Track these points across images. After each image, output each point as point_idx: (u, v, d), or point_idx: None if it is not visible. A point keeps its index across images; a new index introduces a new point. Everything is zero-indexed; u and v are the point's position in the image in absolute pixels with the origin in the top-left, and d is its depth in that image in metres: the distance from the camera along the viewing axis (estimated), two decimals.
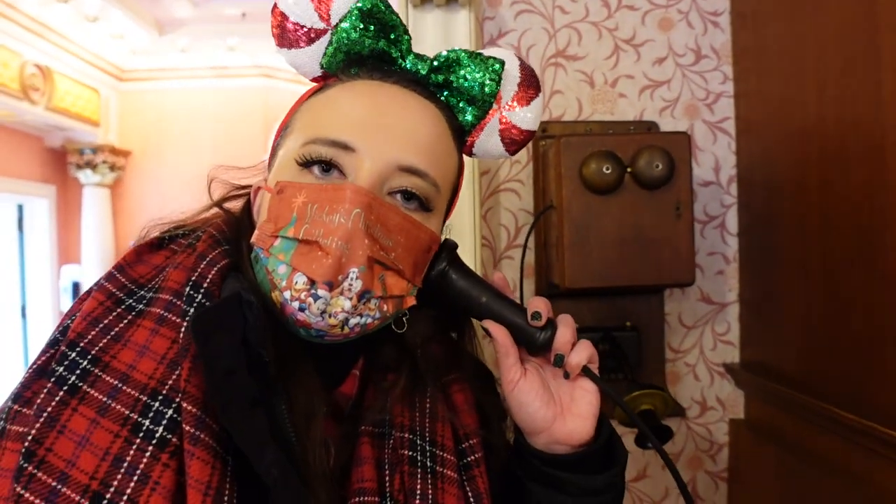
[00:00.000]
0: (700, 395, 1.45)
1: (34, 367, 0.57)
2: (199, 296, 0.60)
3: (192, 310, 0.58)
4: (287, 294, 0.59)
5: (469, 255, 1.31)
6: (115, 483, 0.51)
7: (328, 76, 0.70)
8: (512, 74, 0.72)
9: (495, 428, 0.75)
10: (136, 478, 0.51)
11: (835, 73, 1.12)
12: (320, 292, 0.58)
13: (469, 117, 0.71)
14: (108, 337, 0.58)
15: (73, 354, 0.56)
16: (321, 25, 0.67)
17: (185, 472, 0.52)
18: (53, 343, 0.59)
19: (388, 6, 0.67)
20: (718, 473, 1.46)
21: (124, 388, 0.55)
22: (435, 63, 0.68)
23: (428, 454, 0.66)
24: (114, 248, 6.24)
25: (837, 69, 1.11)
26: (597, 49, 1.41)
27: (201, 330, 0.55)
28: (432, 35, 1.30)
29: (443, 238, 0.71)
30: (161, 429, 0.53)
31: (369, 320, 0.62)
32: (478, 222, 1.31)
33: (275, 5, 0.68)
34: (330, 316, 0.59)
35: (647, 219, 1.21)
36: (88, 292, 0.62)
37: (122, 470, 0.51)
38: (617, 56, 1.41)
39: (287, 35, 0.68)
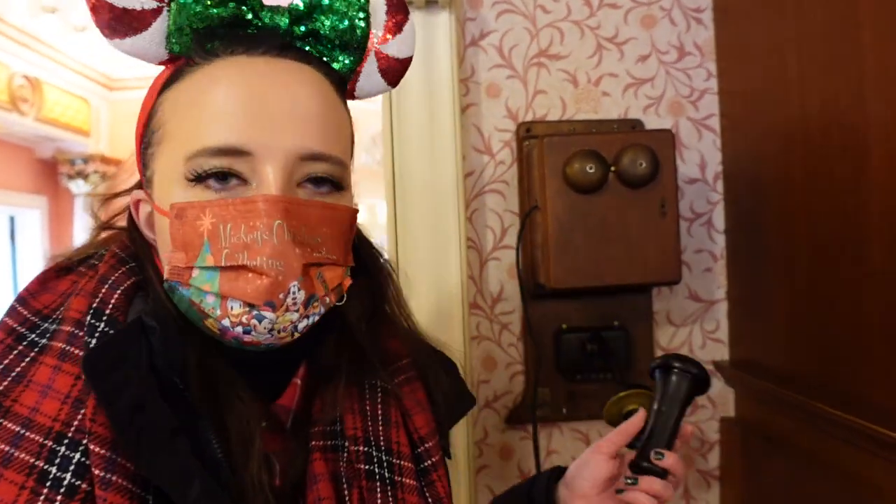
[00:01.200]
0: None
1: None
2: (102, 324, 0.55)
3: (93, 341, 0.54)
4: (226, 321, 0.56)
5: (455, 257, 1.30)
6: None
7: (177, 58, 0.62)
8: (376, 5, 0.65)
9: (447, 416, 0.75)
10: None
11: (817, 69, 1.11)
12: (264, 314, 0.55)
13: (347, 63, 0.65)
14: (10, 379, 0.53)
15: None
16: (153, 4, 0.58)
17: None
18: None
19: None
20: (710, 472, 1.45)
21: (27, 433, 0.50)
22: (294, 12, 0.61)
23: (385, 465, 0.64)
24: None
25: (820, 65, 1.11)
26: (579, 48, 1.40)
27: (95, 367, 0.51)
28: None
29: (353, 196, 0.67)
30: (69, 475, 0.49)
31: (317, 317, 0.60)
32: (463, 224, 1.31)
33: None
34: (279, 331, 0.57)
35: (632, 217, 1.20)
36: None
37: None
38: (600, 54, 1.40)
39: (117, 24, 0.58)
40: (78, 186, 6.28)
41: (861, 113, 1.01)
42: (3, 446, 0.49)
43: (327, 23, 0.62)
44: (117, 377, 0.51)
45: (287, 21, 0.61)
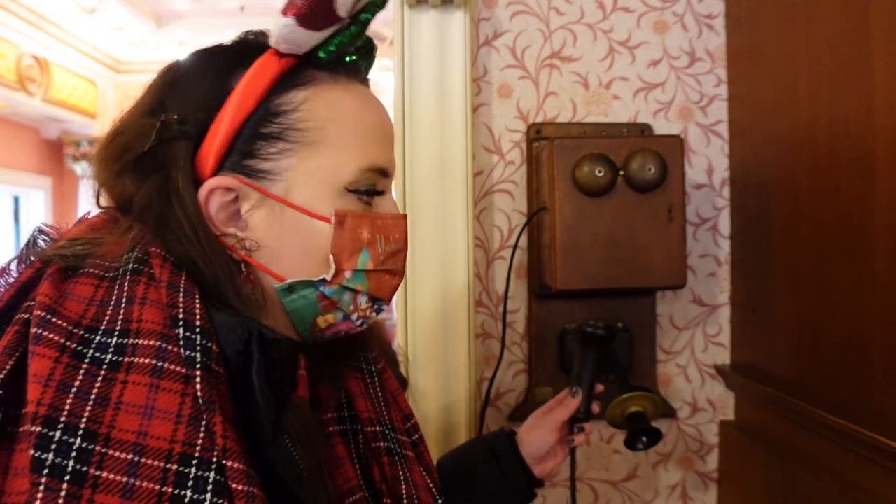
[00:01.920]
0: (691, 396, 1.46)
1: None
2: (198, 336, 0.52)
3: (197, 355, 0.51)
4: (354, 315, 0.66)
5: (462, 255, 1.32)
6: None
7: (292, 56, 0.63)
8: None
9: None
10: None
11: (827, 79, 1.12)
12: (384, 307, 0.68)
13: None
14: (91, 402, 0.47)
15: (58, 434, 0.45)
16: (344, 16, 0.63)
17: None
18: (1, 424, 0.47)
19: None
20: (708, 474, 1.47)
21: (144, 460, 0.46)
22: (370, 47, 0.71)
23: (396, 441, 0.73)
24: None
25: (829, 75, 1.11)
26: (591, 51, 1.41)
27: (258, 380, 0.53)
28: (428, 36, 1.30)
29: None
30: (209, 496, 0.47)
31: None
32: (471, 223, 1.32)
33: None
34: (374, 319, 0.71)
35: (639, 222, 1.22)
36: (14, 347, 0.50)
37: None
38: (612, 58, 1.41)
39: (316, 15, 0.61)
40: (83, 168, 6.31)
41: (869, 125, 1.02)
42: (119, 477, 0.45)
43: (374, 53, 0.73)
44: (266, 391, 0.53)
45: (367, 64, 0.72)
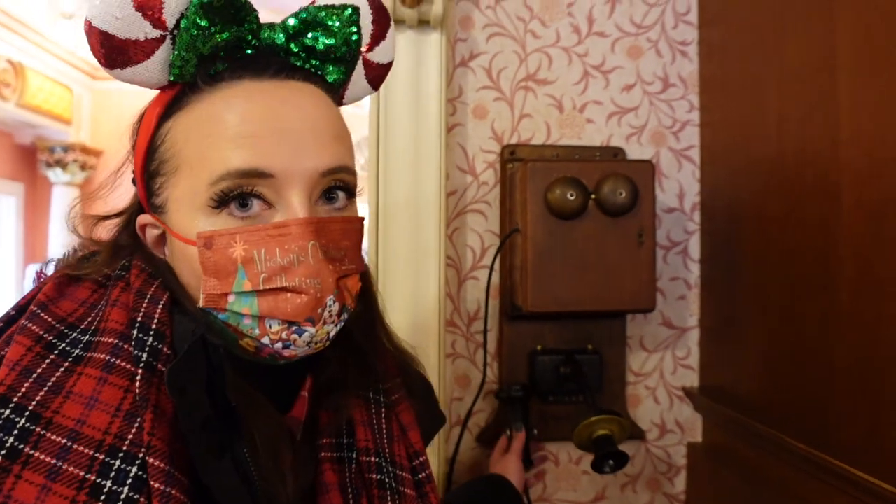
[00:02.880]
0: (659, 418, 1.47)
1: None
2: (150, 338, 0.55)
3: (144, 354, 0.54)
4: (265, 339, 0.60)
5: (433, 275, 1.32)
6: None
7: (176, 84, 0.62)
8: (364, 14, 0.68)
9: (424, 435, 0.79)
10: None
11: (795, 110, 1.14)
12: (305, 329, 0.59)
13: (339, 75, 0.67)
14: (45, 389, 0.51)
15: (7, 412, 0.49)
16: (157, 33, 0.58)
17: None
18: None
19: None
20: (676, 496, 1.48)
21: (75, 446, 0.49)
22: (290, 30, 0.63)
23: (392, 476, 0.69)
24: None
25: (797, 106, 1.14)
26: (566, 74, 1.42)
27: (175, 382, 0.51)
28: (404, 56, 1.31)
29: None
30: (126, 489, 0.48)
31: (343, 323, 0.64)
32: (443, 242, 1.32)
33: (89, 24, 0.57)
34: (316, 343, 0.61)
35: (609, 245, 1.22)
36: (6, 336, 0.56)
37: None
38: (586, 82, 1.43)
39: (117, 55, 0.58)
40: (56, 175, 6.21)
41: (835, 158, 1.04)
42: (49, 459, 0.48)
43: (321, 39, 0.64)
44: (194, 393, 0.53)
45: (283, 38, 0.63)
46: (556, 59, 1.42)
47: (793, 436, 1.14)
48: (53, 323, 0.56)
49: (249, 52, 0.62)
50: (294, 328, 0.59)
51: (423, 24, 1.29)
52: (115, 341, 0.55)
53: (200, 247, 0.58)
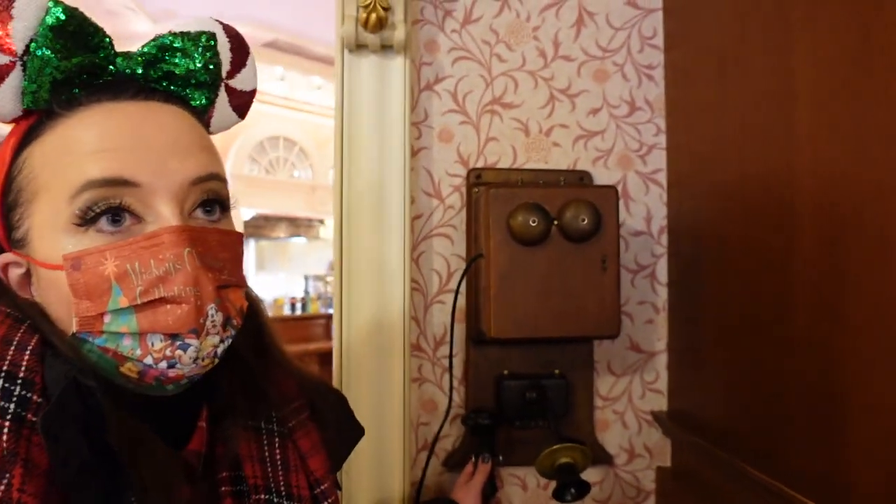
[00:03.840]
0: (628, 442, 1.46)
1: None
2: (17, 388, 0.52)
3: (10, 405, 0.51)
4: (148, 359, 0.57)
5: (399, 298, 1.31)
6: None
7: (31, 113, 0.61)
8: (221, 42, 0.69)
9: (340, 449, 0.80)
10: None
11: (755, 136, 1.14)
12: (188, 341, 0.57)
13: (202, 100, 0.67)
14: None
15: None
16: (5, 59, 0.57)
17: None
18: None
19: (76, 11, 0.59)
20: None
21: None
22: (147, 57, 0.63)
23: None
24: None
25: (757, 132, 1.14)
26: (532, 98, 1.42)
27: (48, 430, 0.49)
28: (368, 80, 1.30)
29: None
30: (15, 407, 0.49)
31: (230, 340, 0.62)
32: (408, 266, 1.31)
33: None
34: (203, 358, 0.59)
35: (573, 271, 1.22)
36: None
37: None
38: (552, 105, 1.43)
39: None
40: None
41: (794, 186, 1.04)
42: None
43: (181, 64, 0.64)
44: (69, 439, 0.50)
45: (141, 67, 0.63)
46: (522, 82, 1.42)
47: (751, 462, 1.13)
48: None
49: (107, 78, 0.62)
50: (178, 343, 0.56)
51: (386, 48, 1.29)
52: None
53: (68, 269, 0.56)
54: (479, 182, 1.38)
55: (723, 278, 1.25)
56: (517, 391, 1.36)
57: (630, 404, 1.46)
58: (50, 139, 0.59)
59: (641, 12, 1.45)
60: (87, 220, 0.56)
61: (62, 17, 0.57)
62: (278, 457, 0.70)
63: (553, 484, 1.39)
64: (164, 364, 0.57)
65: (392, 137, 1.31)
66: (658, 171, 1.46)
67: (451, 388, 1.37)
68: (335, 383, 1.30)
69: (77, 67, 0.58)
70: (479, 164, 1.41)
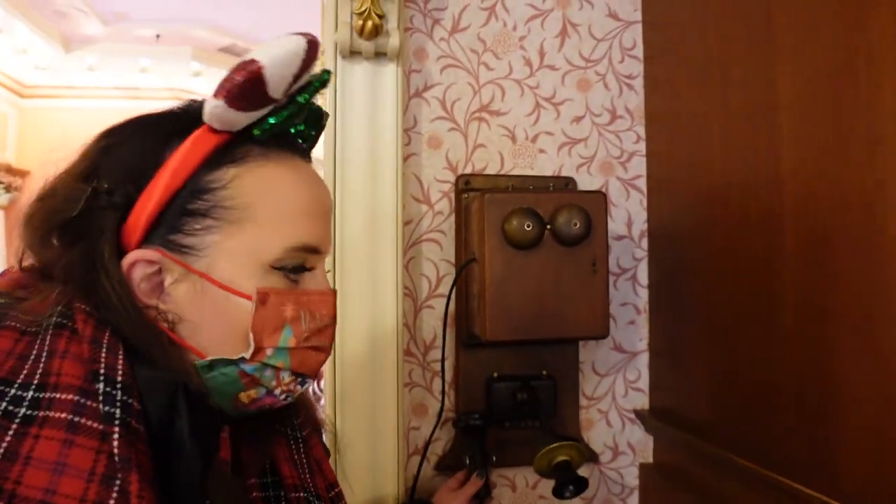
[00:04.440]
0: (612, 440, 1.50)
1: None
2: (118, 392, 0.52)
3: (116, 410, 0.51)
4: (277, 391, 0.65)
5: (391, 304, 1.32)
6: None
7: (233, 137, 0.64)
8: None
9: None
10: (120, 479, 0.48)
11: (738, 143, 1.20)
12: (308, 379, 0.67)
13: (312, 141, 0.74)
14: None
15: None
16: (281, 98, 0.64)
17: None
18: None
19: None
20: None
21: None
22: (320, 126, 0.72)
23: None
24: None
25: (740, 139, 1.19)
26: (519, 105, 1.46)
27: (187, 440, 0.53)
28: (360, 86, 1.32)
29: None
30: (119, 411, 0.49)
31: None
32: (400, 272, 1.33)
33: (258, 67, 0.59)
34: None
35: (564, 274, 1.25)
36: None
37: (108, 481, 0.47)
38: (538, 113, 1.46)
39: (247, 97, 0.61)
40: None
41: (777, 190, 1.09)
42: None
43: (318, 127, 0.73)
44: (193, 448, 0.54)
45: (311, 137, 0.72)
46: (509, 90, 1.45)
47: (738, 453, 1.18)
48: None
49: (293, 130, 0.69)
50: (299, 379, 0.66)
51: (379, 55, 1.30)
52: (76, 397, 0.50)
53: (257, 301, 0.61)
54: (468, 188, 1.41)
55: (704, 279, 1.30)
56: (507, 393, 1.39)
57: (614, 403, 1.50)
58: (261, 172, 0.65)
59: (622, 24, 1.50)
60: (281, 267, 0.64)
61: (325, 79, 0.67)
62: (304, 460, 0.75)
63: (544, 483, 1.43)
64: (284, 395, 0.66)
65: (384, 143, 1.32)
66: (638, 178, 1.51)
67: (443, 392, 1.38)
68: (329, 391, 1.31)
69: (300, 132, 0.70)
70: (468, 171, 1.43)
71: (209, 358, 0.61)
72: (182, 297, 0.62)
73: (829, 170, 0.99)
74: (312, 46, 0.62)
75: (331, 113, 1.31)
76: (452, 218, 1.43)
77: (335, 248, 1.31)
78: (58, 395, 0.50)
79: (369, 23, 1.24)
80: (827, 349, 0.99)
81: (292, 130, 0.68)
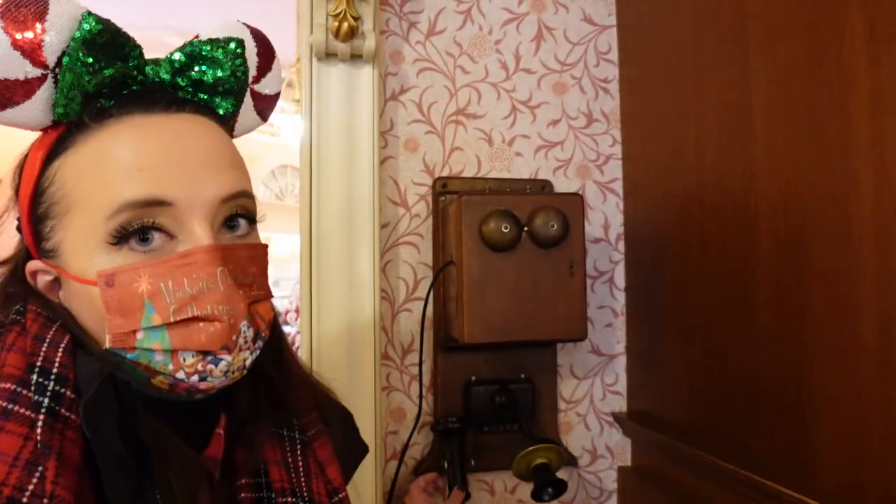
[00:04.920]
0: (591, 443, 1.50)
1: None
2: (51, 383, 0.53)
3: (45, 399, 0.52)
4: (180, 374, 0.57)
5: (368, 308, 1.31)
6: None
7: (60, 123, 0.60)
8: (249, 47, 0.69)
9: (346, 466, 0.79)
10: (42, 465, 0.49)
11: (713, 145, 1.21)
12: (221, 357, 0.58)
13: (229, 107, 0.67)
14: None
15: None
16: (37, 72, 0.56)
17: None
18: None
19: (109, 23, 0.59)
20: None
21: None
22: (176, 65, 0.63)
23: None
24: None
25: (715, 141, 1.20)
26: (495, 109, 1.46)
27: (90, 419, 0.51)
28: (336, 88, 1.31)
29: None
30: (48, 401, 0.51)
31: (258, 352, 0.63)
32: (377, 275, 1.32)
33: None
34: (233, 371, 0.60)
35: (542, 276, 1.25)
36: None
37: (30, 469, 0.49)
38: (514, 116, 1.47)
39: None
40: None
41: (752, 190, 1.10)
42: None
43: (209, 72, 0.64)
44: (108, 430, 0.52)
45: (169, 75, 0.63)
46: (485, 94, 1.45)
47: (717, 455, 1.19)
48: None
49: (135, 87, 0.61)
50: (209, 358, 0.57)
51: (355, 57, 1.30)
52: (12, 386, 0.52)
53: (102, 285, 0.56)
54: (446, 190, 1.40)
55: (681, 280, 1.31)
56: (486, 396, 1.39)
57: (592, 406, 1.50)
58: (82, 152, 0.59)
59: (597, 28, 1.51)
60: (120, 238, 0.56)
61: (95, 29, 0.56)
62: (300, 463, 0.70)
63: (522, 487, 1.42)
64: (195, 378, 0.58)
65: (360, 146, 1.32)
66: (615, 181, 1.51)
67: (421, 395, 1.37)
68: None
69: (109, 79, 0.58)
70: (445, 173, 1.43)
71: (98, 351, 0.59)
72: (67, 297, 0.62)
73: (802, 169, 1.00)
74: (4, 14, 0.54)
75: (306, 115, 1.30)
76: (430, 221, 1.42)
77: (311, 251, 1.29)
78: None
79: (345, 24, 1.23)
80: (803, 348, 1.00)
81: (135, 88, 0.61)
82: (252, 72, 0.69)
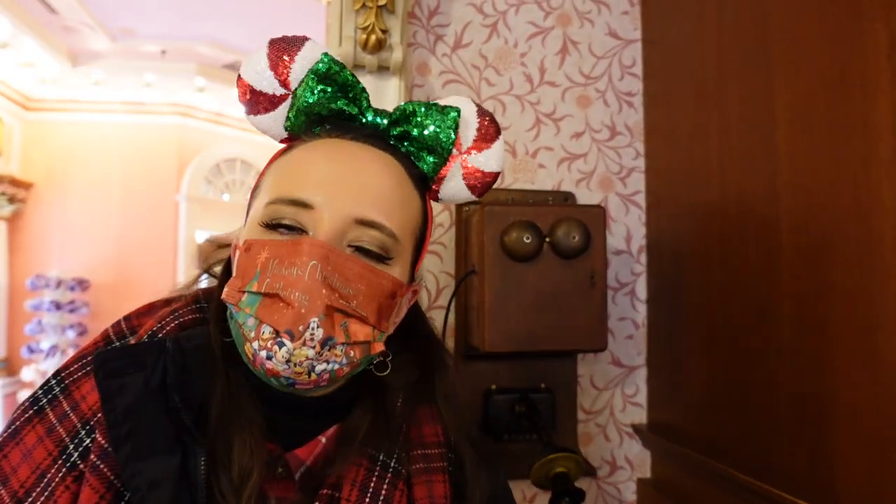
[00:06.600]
0: (610, 455, 1.50)
1: None
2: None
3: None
4: (256, 344, 0.62)
5: None
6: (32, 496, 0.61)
7: (293, 137, 0.74)
8: (469, 121, 0.74)
9: None
10: (45, 494, 0.61)
11: (736, 158, 1.22)
12: (284, 341, 0.61)
13: (430, 164, 0.73)
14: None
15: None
16: (281, 91, 0.71)
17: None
18: None
19: (343, 67, 0.71)
20: None
21: (72, 415, 0.65)
22: (393, 116, 0.72)
23: None
24: (7, 284, 5.88)
25: (738, 155, 1.21)
26: (519, 121, 1.48)
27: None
28: None
29: (418, 280, 0.78)
30: (76, 455, 0.62)
31: (337, 366, 0.64)
32: None
33: (239, 76, 0.72)
34: (295, 364, 0.61)
35: (563, 287, 1.26)
36: None
37: (41, 487, 0.61)
38: (538, 129, 1.48)
39: (252, 102, 0.72)
40: None
41: (774, 204, 1.11)
42: (53, 419, 0.65)
43: (418, 130, 0.72)
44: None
45: (386, 123, 0.73)
46: (510, 106, 1.47)
47: (737, 468, 1.18)
48: (124, 328, 0.75)
49: (356, 124, 0.73)
50: (277, 339, 0.61)
51: (382, 69, 1.32)
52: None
53: (242, 251, 0.66)
54: (469, 201, 1.42)
55: (704, 293, 1.31)
56: (506, 405, 1.40)
57: (612, 417, 1.51)
58: (287, 157, 0.71)
59: (622, 42, 1.52)
60: (269, 225, 0.66)
61: (324, 68, 0.70)
62: (382, 493, 0.68)
63: (541, 497, 1.43)
64: (264, 353, 0.61)
65: None
66: (637, 193, 1.52)
67: None
68: None
69: (328, 110, 0.72)
70: None
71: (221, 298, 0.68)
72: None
73: (825, 184, 1.01)
74: (272, 44, 0.71)
75: None
76: (453, 230, 1.44)
77: None
78: (132, 340, 0.72)
79: (373, 37, 1.26)
80: (825, 362, 1.00)
81: (325, 114, 0.72)
82: (466, 143, 0.74)
